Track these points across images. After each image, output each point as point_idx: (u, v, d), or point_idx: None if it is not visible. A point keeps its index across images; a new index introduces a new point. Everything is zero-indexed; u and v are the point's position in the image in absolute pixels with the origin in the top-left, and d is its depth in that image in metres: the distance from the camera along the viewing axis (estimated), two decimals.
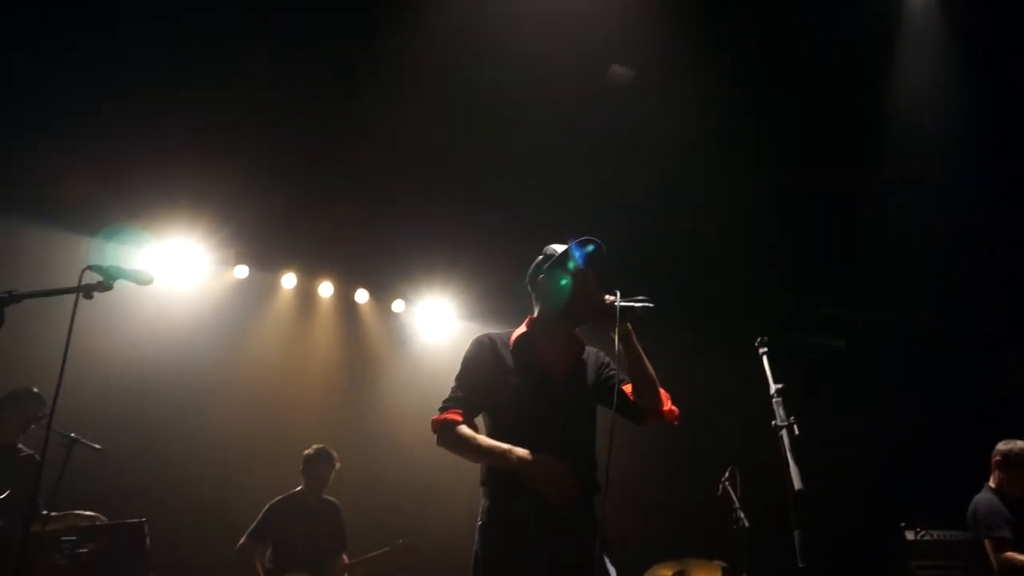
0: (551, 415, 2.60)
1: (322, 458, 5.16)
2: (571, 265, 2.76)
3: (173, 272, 7.00)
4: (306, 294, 7.69)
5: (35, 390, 4.62)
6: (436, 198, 6.72)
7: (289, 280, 7.60)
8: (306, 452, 5.21)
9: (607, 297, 2.63)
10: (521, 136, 6.06)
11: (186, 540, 5.95)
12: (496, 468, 2.57)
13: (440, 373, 7.79)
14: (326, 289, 7.73)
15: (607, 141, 6.13)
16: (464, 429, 2.61)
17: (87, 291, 2.72)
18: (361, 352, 7.76)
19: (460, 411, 2.64)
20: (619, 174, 6.32)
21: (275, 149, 6.21)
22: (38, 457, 4.48)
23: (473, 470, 2.75)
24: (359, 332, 7.81)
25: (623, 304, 2.54)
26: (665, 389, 2.77)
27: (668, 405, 2.73)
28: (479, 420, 2.80)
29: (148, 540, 5.23)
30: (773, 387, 3.01)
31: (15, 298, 2.49)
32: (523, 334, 2.79)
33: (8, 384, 4.67)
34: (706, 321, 6.92)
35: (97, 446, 4.68)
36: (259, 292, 7.48)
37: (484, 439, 2.60)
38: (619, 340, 2.54)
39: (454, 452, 2.67)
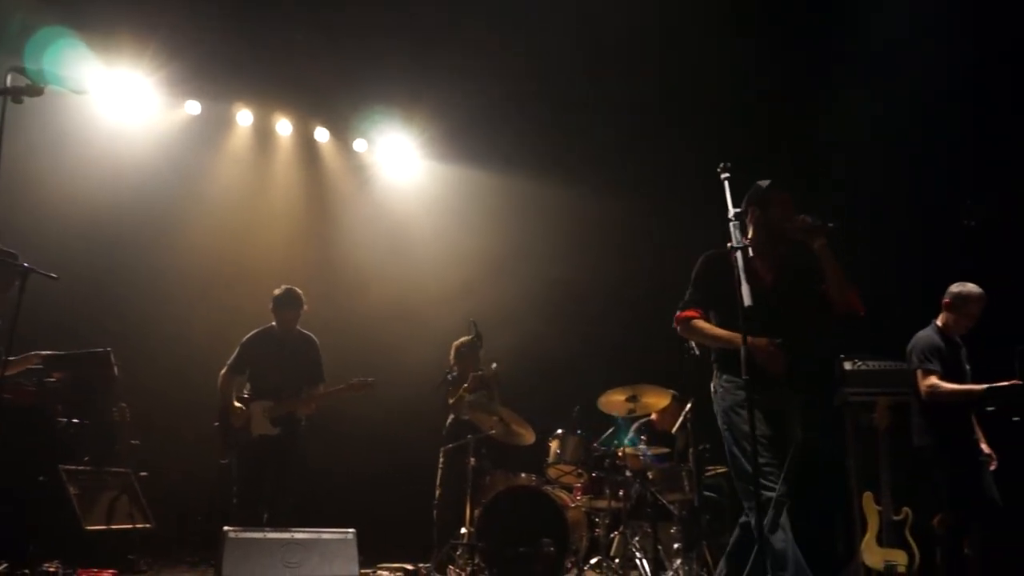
0: (765, 311, 3.24)
1: (288, 298, 5.14)
2: (768, 192, 3.45)
3: (121, 106, 6.69)
4: (263, 132, 7.41)
5: None
6: (397, 27, 6.34)
7: (245, 117, 7.29)
8: (274, 292, 5.20)
9: (804, 218, 3.32)
10: None
11: (153, 370, 6.09)
12: (727, 349, 3.32)
13: (406, 216, 7.91)
14: (284, 127, 7.45)
15: None
16: (700, 322, 3.42)
17: (15, 94, 2.55)
18: (323, 193, 7.63)
19: (698, 309, 3.42)
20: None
21: None
22: None
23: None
24: (320, 172, 7.63)
25: (818, 223, 3.28)
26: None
27: (854, 299, 3.35)
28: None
29: (116, 369, 5.35)
30: (732, 211, 3.09)
31: None
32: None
33: None
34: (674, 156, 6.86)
35: (53, 275, 4.60)
36: (213, 129, 7.19)
37: (717, 329, 3.36)
38: (818, 251, 3.30)
39: (694, 339, 3.51)
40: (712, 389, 3.44)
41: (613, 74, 6.62)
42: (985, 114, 5.86)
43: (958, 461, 4.22)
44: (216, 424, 5.02)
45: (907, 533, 4.82)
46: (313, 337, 5.23)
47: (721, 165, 3.21)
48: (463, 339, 5.57)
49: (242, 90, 7.13)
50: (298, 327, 5.20)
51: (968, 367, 4.39)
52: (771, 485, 3.09)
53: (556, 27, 6.08)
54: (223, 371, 5.06)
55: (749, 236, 3.48)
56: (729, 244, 3.05)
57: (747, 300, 2.90)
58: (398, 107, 7.25)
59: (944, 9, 5.63)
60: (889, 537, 4.79)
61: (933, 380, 4.26)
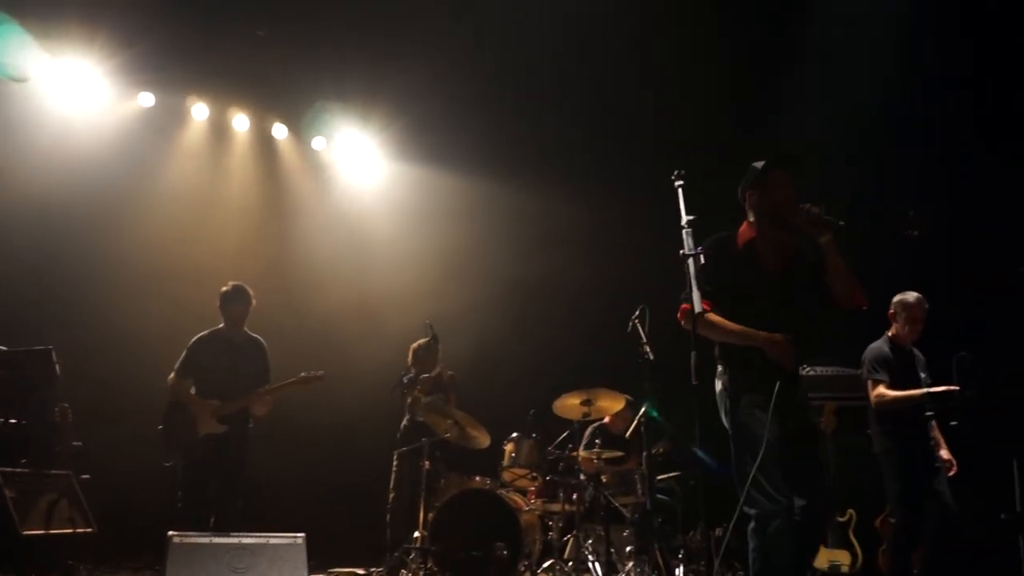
0: (772, 301, 3.17)
1: (237, 295, 5.06)
2: (765, 174, 3.23)
3: (70, 95, 6.40)
4: (219, 127, 7.25)
5: None
6: (356, 25, 6.28)
7: (200, 111, 7.13)
8: (222, 289, 5.12)
9: (811, 207, 3.10)
10: None
11: (100, 366, 5.91)
12: (736, 344, 3.15)
13: (364, 216, 7.81)
14: (241, 122, 7.31)
15: None
16: (714, 316, 3.10)
17: None
18: (280, 190, 7.50)
19: (709, 302, 3.04)
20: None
21: None
22: None
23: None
24: (278, 169, 7.49)
25: (827, 218, 3.09)
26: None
27: (859, 295, 3.21)
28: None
29: (58, 368, 5.17)
30: (685, 218, 3.11)
31: None
32: (749, 239, 3.28)
33: None
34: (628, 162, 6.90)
35: None
36: (167, 122, 7.00)
37: (731, 324, 3.12)
38: (823, 246, 3.14)
39: (706, 335, 3.17)
40: (718, 387, 3.21)
41: (576, 74, 6.66)
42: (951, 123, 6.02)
43: (911, 467, 4.30)
44: (160, 428, 4.90)
45: (851, 534, 4.95)
46: (262, 341, 5.15)
47: (675, 172, 3.22)
48: (420, 341, 5.54)
49: (198, 83, 6.95)
50: (248, 330, 5.11)
51: (924, 375, 4.48)
52: (788, 493, 2.90)
53: (518, 26, 6.09)
54: (172, 376, 4.95)
55: (750, 221, 3.31)
56: (681, 252, 3.05)
57: (697, 307, 2.93)
58: (357, 105, 7.17)
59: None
60: (833, 538, 4.91)
61: (880, 390, 4.39)
